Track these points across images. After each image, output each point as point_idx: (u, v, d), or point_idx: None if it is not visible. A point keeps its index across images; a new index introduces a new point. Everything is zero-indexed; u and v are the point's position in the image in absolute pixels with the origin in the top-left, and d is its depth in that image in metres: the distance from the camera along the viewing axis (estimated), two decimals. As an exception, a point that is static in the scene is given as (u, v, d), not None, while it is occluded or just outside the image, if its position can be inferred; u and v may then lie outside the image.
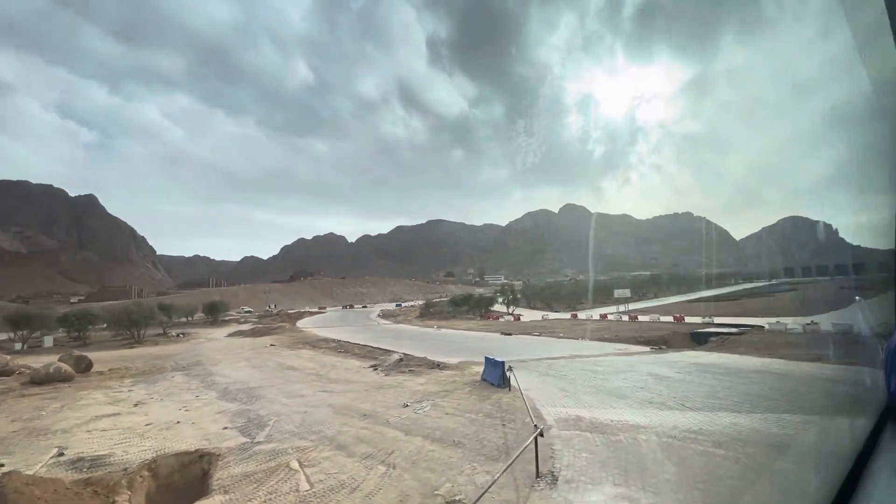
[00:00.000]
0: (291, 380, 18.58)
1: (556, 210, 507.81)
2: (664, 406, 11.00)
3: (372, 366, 20.57)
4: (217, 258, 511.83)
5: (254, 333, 43.39)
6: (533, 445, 7.14)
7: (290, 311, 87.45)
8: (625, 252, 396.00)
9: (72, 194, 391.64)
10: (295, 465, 8.30)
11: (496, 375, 14.10)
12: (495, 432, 9.52)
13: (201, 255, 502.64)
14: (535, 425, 7.32)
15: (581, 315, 56.67)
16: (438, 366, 18.87)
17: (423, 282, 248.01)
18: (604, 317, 50.48)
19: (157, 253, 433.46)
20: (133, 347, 34.81)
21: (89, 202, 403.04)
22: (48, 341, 38.25)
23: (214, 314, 59.26)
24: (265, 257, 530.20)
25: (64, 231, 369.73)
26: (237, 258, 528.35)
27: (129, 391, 17.43)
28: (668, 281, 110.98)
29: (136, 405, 14.81)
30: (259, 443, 9.99)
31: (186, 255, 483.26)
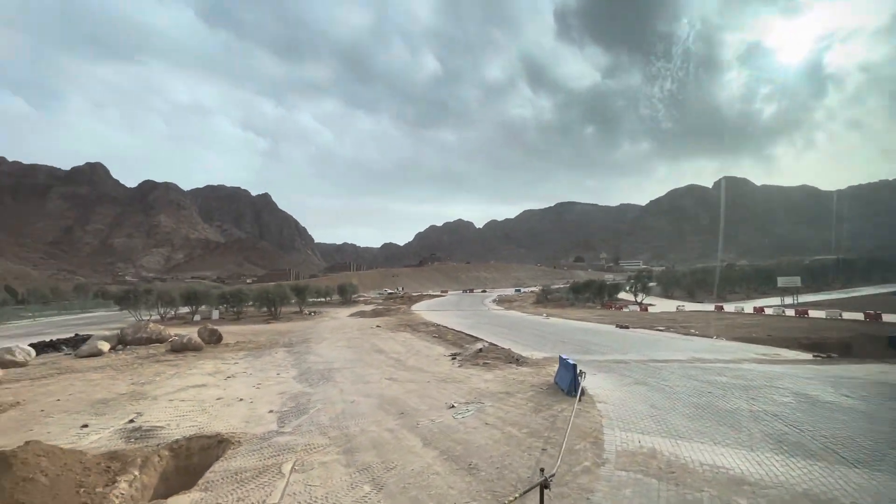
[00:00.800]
0: (371, 363, 18.47)
1: (709, 185, 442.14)
2: (801, 450, 7.41)
3: (452, 354, 19.43)
4: (361, 245, 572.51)
5: (371, 314, 46.17)
6: (533, 497, 4.98)
7: (413, 294, 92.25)
8: (803, 232, 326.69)
9: (253, 194, 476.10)
10: (287, 468, 7.47)
11: (567, 380, 11.58)
12: (528, 458, 7.39)
13: (349, 242, 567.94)
14: (541, 469, 5.12)
15: (729, 307, 47.32)
16: (517, 360, 16.79)
17: (549, 267, 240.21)
18: (759, 310, 41.15)
19: (315, 241, 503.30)
20: (269, 323, 39.88)
21: (266, 200, 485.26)
22: (215, 314, 46.26)
23: (344, 295, 65.28)
24: (402, 244, 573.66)
25: (249, 224, 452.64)
26: (378, 245, 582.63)
27: (235, 363, 19.29)
28: (864, 267, 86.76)
29: (227, 378, 16.13)
30: (283, 433, 9.53)
31: (337, 243, 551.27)
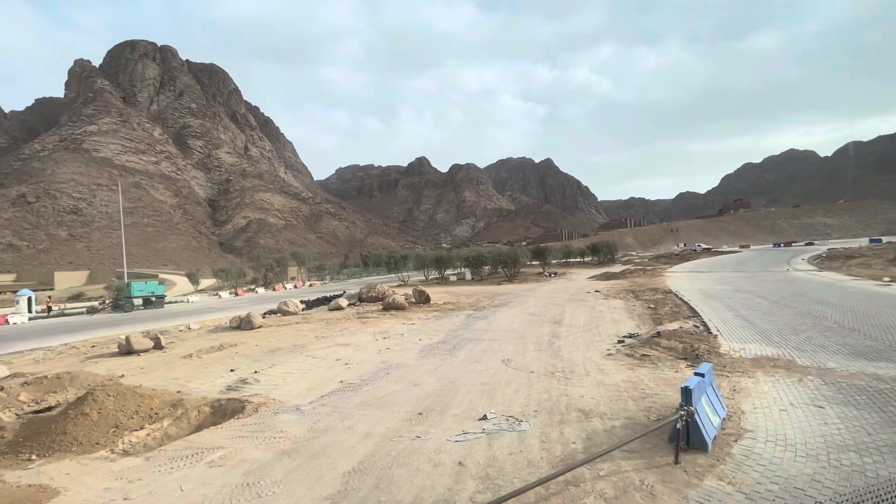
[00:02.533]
0: (523, 337, 15.84)
1: None
2: None
3: (624, 337, 14.37)
4: (652, 198, 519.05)
5: (610, 276, 40.81)
6: None
7: (696, 251, 76.21)
8: None
9: (536, 161, 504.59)
10: (211, 457, 6.81)
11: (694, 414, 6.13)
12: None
13: (636, 196, 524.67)
14: None
15: None
16: (696, 356, 10.62)
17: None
18: None
19: (599, 199, 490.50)
20: (500, 284, 41.08)
21: (548, 165, 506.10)
22: (468, 275, 51.53)
23: (597, 255, 60.25)
24: (702, 191, 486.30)
25: (535, 190, 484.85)
26: (671, 195, 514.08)
27: (411, 324, 20.38)
28: None
29: (383, 338, 17.04)
30: (299, 410, 8.99)
31: (622, 198, 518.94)
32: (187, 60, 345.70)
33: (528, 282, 43.05)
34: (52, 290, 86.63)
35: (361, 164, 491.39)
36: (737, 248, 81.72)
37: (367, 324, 20.94)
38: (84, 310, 35.89)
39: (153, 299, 36.30)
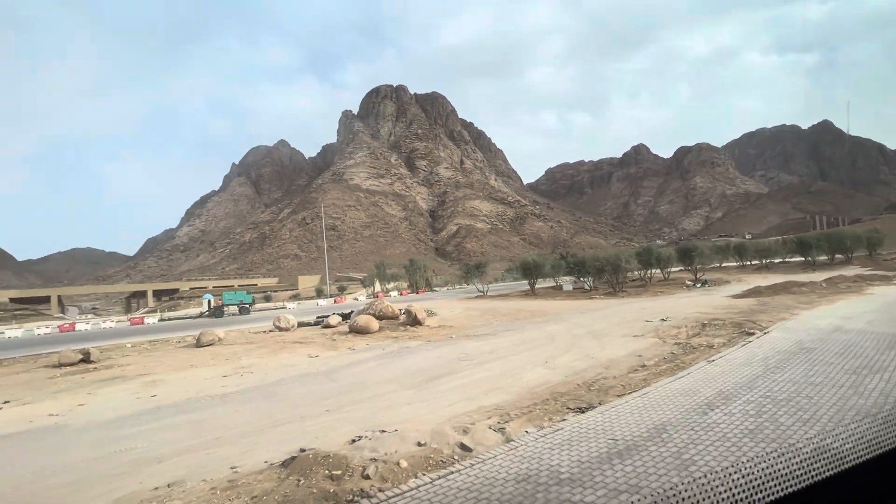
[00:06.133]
0: (320, 402, 10.83)
1: None
2: None
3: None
4: None
5: (762, 292, 25.93)
6: None
7: None
8: None
9: (803, 127, 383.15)
10: None
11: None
12: None
13: None
14: None
15: None
16: None
17: None
18: None
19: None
20: (594, 299, 31.16)
21: (824, 129, 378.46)
22: (587, 285, 41.83)
23: (808, 253, 39.17)
24: None
25: (802, 164, 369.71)
26: None
27: (314, 358, 16.93)
28: None
29: (219, 377, 14.60)
30: None
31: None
32: (415, 93, 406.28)
33: (645, 294, 31.52)
34: (296, 290, 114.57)
35: (571, 162, 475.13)
36: None
37: (282, 350, 18.58)
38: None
39: (243, 307, 43.06)
